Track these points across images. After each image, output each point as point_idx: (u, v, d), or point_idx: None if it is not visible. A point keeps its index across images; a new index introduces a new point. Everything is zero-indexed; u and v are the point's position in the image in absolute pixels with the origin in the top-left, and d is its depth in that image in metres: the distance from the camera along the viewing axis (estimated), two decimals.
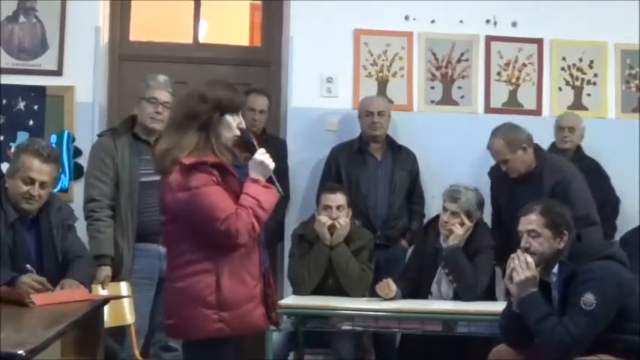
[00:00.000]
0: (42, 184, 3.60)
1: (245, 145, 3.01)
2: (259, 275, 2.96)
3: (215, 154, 2.89)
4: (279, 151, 5.04)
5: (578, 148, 5.13)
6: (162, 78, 4.31)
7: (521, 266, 3.35)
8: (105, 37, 5.22)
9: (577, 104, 5.50)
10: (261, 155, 2.97)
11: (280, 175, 4.95)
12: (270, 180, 2.98)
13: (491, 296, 4.19)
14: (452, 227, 4.29)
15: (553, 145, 5.13)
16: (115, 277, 4.16)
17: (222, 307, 2.85)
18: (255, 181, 2.93)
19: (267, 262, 3.09)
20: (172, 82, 4.35)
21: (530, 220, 3.45)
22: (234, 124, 2.96)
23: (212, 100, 2.92)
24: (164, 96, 4.23)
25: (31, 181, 3.57)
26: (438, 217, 4.45)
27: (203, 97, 2.92)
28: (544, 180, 4.35)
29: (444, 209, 4.36)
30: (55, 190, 3.85)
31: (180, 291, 2.89)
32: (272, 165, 2.97)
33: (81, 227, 4.08)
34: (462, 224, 4.31)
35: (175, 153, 2.87)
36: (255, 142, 3.01)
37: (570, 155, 5.04)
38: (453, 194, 4.36)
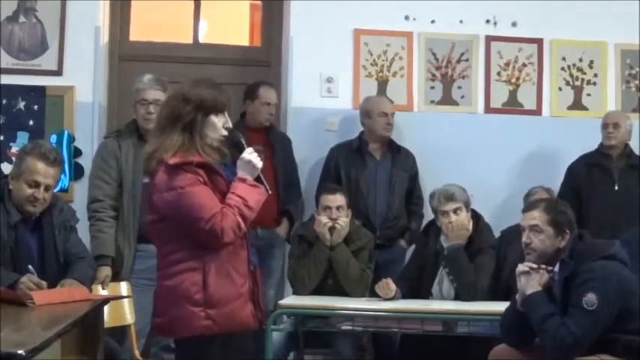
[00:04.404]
0: (47, 188, 3.59)
1: (233, 145, 3.01)
2: (247, 273, 2.98)
3: (200, 154, 2.89)
4: (287, 145, 5.03)
5: (626, 146, 5.07)
6: (147, 77, 4.35)
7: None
8: (105, 37, 5.22)
9: (577, 104, 5.50)
10: (249, 154, 2.97)
11: (290, 170, 4.98)
12: (258, 179, 2.98)
13: (494, 296, 4.18)
14: (461, 222, 4.28)
15: (600, 144, 5.07)
16: (116, 277, 4.17)
17: (209, 304, 2.87)
18: (243, 180, 2.94)
19: (255, 260, 3.09)
20: (157, 78, 4.36)
21: (534, 216, 3.44)
22: (219, 124, 2.96)
23: (195, 100, 2.92)
24: (152, 94, 4.29)
25: (36, 185, 3.56)
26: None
27: (186, 98, 2.93)
28: None
29: (444, 213, 4.32)
30: (55, 191, 3.83)
31: (168, 289, 2.91)
32: (260, 164, 2.98)
33: (83, 227, 4.09)
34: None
35: (160, 154, 2.88)
36: (243, 142, 3.01)
37: (618, 153, 5.02)
38: (445, 194, 4.34)
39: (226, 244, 2.88)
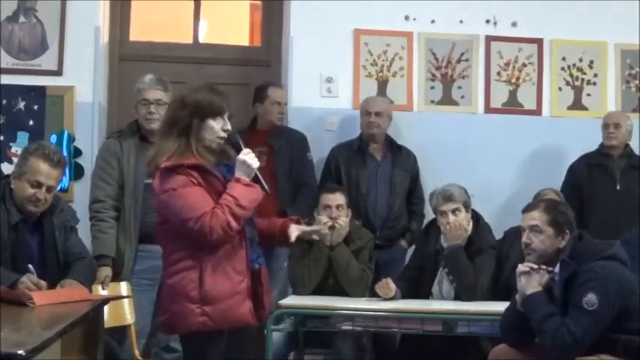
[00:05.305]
0: (49, 189, 3.59)
1: (231, 146, 3.09)
2: (246, 271, 3.03)
3: (195, 157, 2.98)
4: (297, 144, 4.99)
5: (627, 147, 5.07)
6: (148, 77, 4.36)
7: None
8: (105, 37, 5.22)
9: (577, 104, 5.50)
10: (245, 155, 3.04)
11: (298, 169, 4.94)
12: (255, 178, 3.04)
13: (494, 296, 4.18)
14: (459, 223, 4.27)
15: (601, 144, 5.07)
16: (117, 278, 4.17)
17: (205, 301, 2.95)
18: (238, 180, 3.00)
19: (261, 259, 3.13)
20: (158, 78, 4.35)
21: (534, 217, 3.44)
22: (217, 127, 3.03)
23: (191, 104, 3.01)
24: (153, 94, 4.28)
25: (38, 185, 3.56)
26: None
27: (183, 103, 3.03)
28: None
29: (442, 213, 4.32)
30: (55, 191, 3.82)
31: (169, 287, 3.02)
32: (256, 164, 3.04)
33: (83, 227, 4.09)
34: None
35: (157, 159, 3.00)
36: (241, 143, 3.09)
37: (619, 153, 5.02)
38: (444, 194, 4.33)
39: (217, 242, 2.94)
